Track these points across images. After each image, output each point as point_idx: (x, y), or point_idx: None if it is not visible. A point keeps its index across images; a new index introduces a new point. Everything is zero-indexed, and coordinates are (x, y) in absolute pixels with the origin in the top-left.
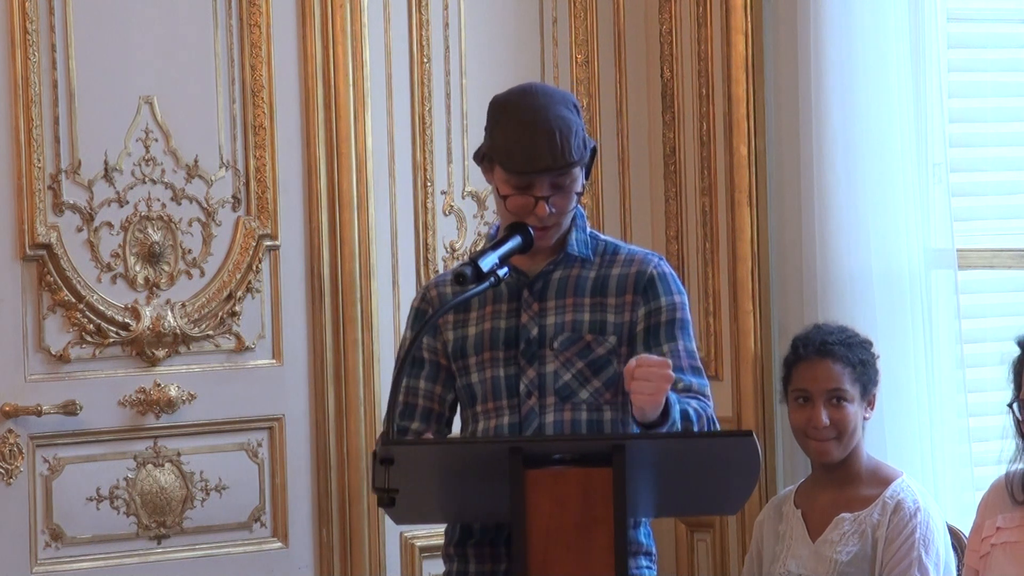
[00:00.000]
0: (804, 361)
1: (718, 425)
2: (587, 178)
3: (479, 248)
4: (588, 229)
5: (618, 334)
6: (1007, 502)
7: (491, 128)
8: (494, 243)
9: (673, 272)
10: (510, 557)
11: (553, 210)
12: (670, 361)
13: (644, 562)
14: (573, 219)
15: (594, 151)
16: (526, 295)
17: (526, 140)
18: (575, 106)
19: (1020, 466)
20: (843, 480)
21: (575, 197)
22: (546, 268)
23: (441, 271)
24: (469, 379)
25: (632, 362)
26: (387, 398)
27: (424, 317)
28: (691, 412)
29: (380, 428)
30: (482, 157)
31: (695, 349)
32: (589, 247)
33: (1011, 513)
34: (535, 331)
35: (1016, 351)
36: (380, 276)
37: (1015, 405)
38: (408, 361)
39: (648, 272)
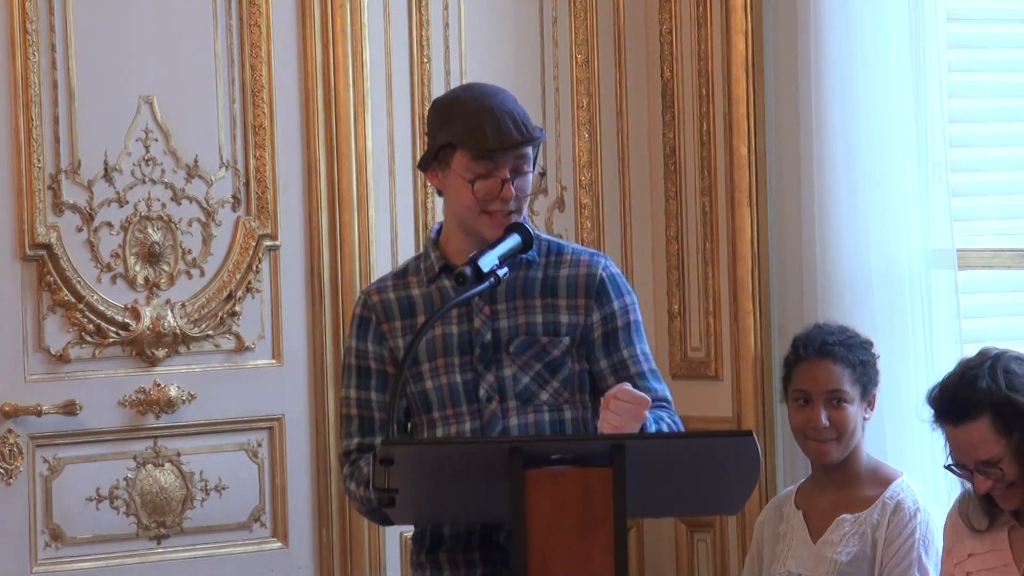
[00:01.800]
0: (804, 361)
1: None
2: (535, 166)
3: (416, 257)
4: (532, 230)
5: (571, 335)
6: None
7: (442, 124)
8: (492, 243)
9: (620, 272)
10: (484, 561)
11: (518, 193)
12: (649, 400)
13: None
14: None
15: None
16: (476, 300)
17: (491, 120)
18: (515, 101)
19: (967, 492)
20: (843, 481)
21: (531, 181)
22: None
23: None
24: (423, 386)
25: (613, 390)
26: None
27: (368, 325)
28: (665, 429)
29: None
30: (435, 154)
31: (649, 350)
32: (534, 247)
33: (979, 539)
34: (489, 335)
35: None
36: (380, 276)
37: (952, 467)
38: (353, 372)
39: (598, 275)
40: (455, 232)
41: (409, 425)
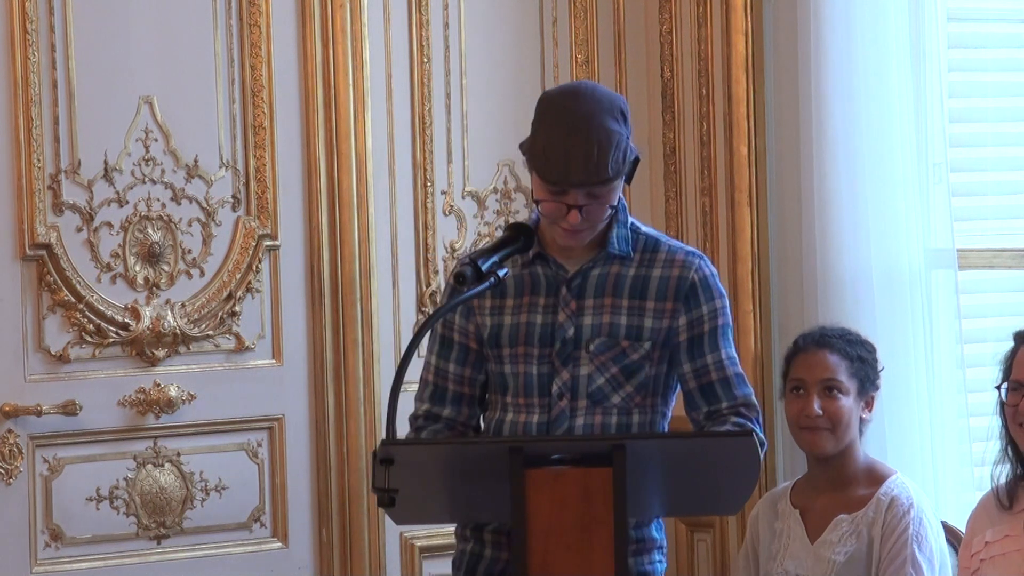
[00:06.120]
0: (802, 352)
1: (762, 435)
2: (628, 183)
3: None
4: (629, 221)
5: (653, 339)
6: (994, 515)
7: (535, 125)
8: (495, 243)
9: (714, 271)
10: None
11: (585, 219)
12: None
13: (657, 556)
14: (615, 213)
15: (636, 161)
16: (564, 292)
17: (564, 150)
18: (623, 113)
19: (1004, 469)
20: (840, 481)
21: (610, 209)
22: (585, 265)
23: (441, 271)
24: (502, 368)
25: None
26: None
27: (459, 295)
28: None
29: (383, 421)
30: (525, 152)
31: (735, 354)
32: (629, 243)
33: (998, 527)
34: (571, 331)
35: (1010, 344)
36: (380, 276)
37: (1002, 387)
38: (410, 358)
39: (690, 278)
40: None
41: (487, 398)
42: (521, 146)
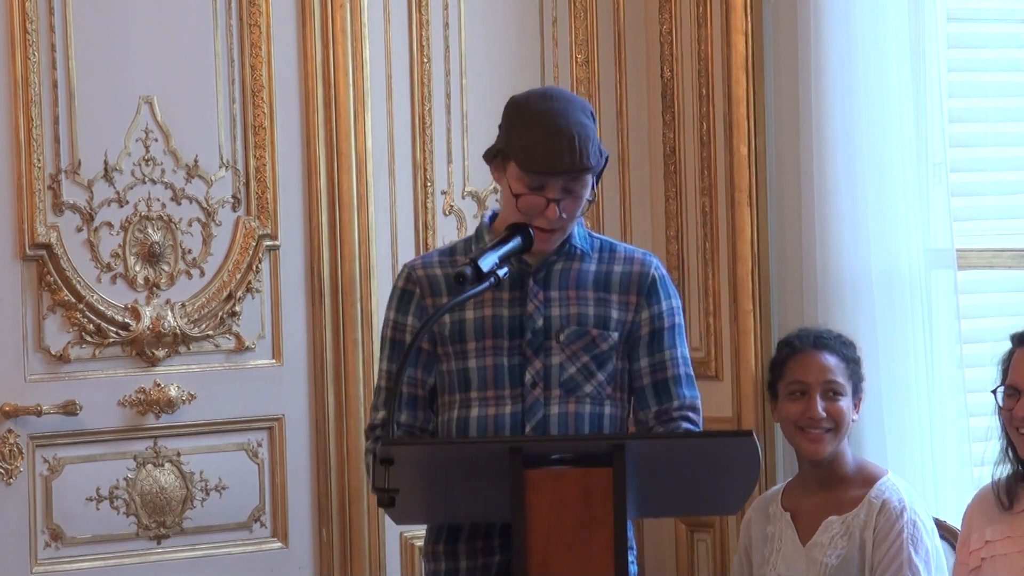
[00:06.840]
0: (800, 354)
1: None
2: (598, 181)
3: (467, 239)
4: (585, 228)
5: (619, 331)
6: (993, 512)
7: (508, 127)
8: (494, 243)
9: (668, 274)
10: (503, 548)
11: (564, 214)
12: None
13: (629, 557)
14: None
15: (607, 160)
16: (531, 284)
17: (546, 141)
18: (592, 114)
19: (1005, 468)
20: (830, 482)
21: (584, 203)
22: (549, 259)
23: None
24: (465, 364)
25: None
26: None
27: (411, 298)
28: None
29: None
30: (494, 155)
31: (688, 354)
32: (588, 242)
33: (998, 525)
34: (541, 321)
35: (1008, 345)
36: (380, 276)
37: (998, 391)
38: (411, 352)
39: (651, 274)
40: (508, 223)
41: (440, 399)
42: (487, 152)
